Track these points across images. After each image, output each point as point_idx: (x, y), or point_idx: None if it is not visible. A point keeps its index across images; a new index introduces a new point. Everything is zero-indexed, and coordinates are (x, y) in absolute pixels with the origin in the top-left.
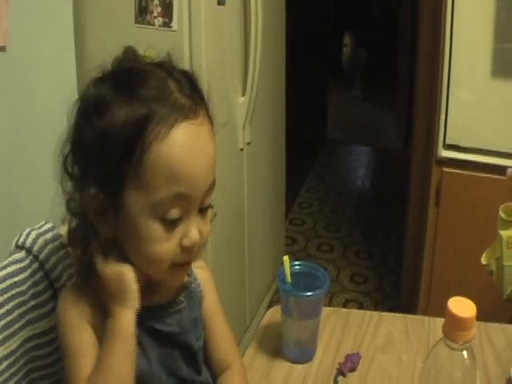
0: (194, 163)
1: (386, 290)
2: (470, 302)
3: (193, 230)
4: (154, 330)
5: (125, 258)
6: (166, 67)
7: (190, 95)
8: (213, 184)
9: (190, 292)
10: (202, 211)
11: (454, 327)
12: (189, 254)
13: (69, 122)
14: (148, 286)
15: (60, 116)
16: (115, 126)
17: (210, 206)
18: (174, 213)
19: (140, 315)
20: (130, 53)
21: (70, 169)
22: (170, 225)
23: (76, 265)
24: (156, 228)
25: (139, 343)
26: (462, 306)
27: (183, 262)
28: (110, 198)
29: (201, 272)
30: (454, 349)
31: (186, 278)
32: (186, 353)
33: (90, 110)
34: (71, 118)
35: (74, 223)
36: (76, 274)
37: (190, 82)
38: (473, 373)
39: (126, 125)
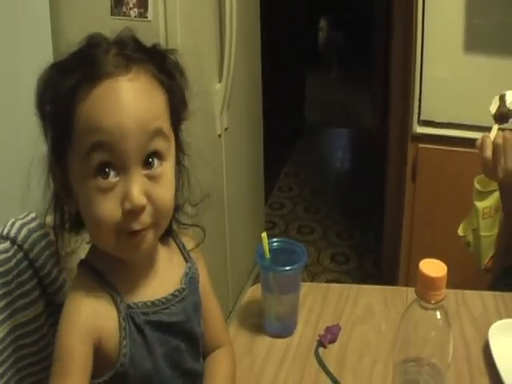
0: (112, 113)
1: (367, 269)
2: (440, 262)
3: (133, 189)
4: (160, 323)
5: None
6: (120, 38)
7: (129, 55)
8: (155, 134)
9: (189, 278)
10: (150, 173)
11: (426, 287)
12: (133, 218)
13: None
14: (149, 280)
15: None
16: (57, 99)
17: (156, 157)
18: (101, 163)
19: (145, 312)
20: (92, 39)
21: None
22: (104, 183)
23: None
24: (91, 186)
25: (145, 342)
26: (433, 267)
27: (128, 227)
28: (61, 169)
29: (190, 246)
30: (427, 308)
31: (185, 263)
32: (190, 341)
33: (41, 90)
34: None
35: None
36: (78, 274)
37: (138, 45)
38: (447, 332)
39: (64, 95)
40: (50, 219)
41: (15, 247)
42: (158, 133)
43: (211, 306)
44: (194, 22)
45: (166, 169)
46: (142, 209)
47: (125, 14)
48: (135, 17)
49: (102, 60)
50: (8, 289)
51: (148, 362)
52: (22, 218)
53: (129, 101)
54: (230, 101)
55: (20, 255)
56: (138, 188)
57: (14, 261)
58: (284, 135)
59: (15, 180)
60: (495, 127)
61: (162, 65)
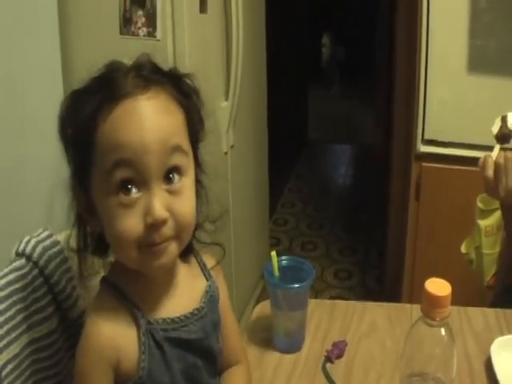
0: (132, 130)
1: (370, 285)
2: (445, 281)
3: (154, 204)
4: (178, 340)
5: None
6: (137, 62)
7: (147, 76)
8: (175, 149)
9: (210, 296)
10: (171, 187)
11: (431, 305)
12: (154, 231)
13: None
14: (170, 297)
15: (49, 129)
16: (80, 124)
17: (176, 172)
18: (123, 179)
19: (164, 328)
20: (112, 65)
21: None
22: (127, 198)
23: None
24: (113, 203)
25: (163, 358)
26: (438, 286)
27: (150, 241)
28: (85, 190)
29: (211, 265)
30: (432, 326)
31: (205, 282)
32: (208, 358)
33: (65, 118)
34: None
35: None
36: (100, 292)
37: (155, 66)
38: (451, 348)
39: (87, 119)
40: (73, 242)
41: (31, 264)
42: (177, 149)
43: (230, 323)
44: (202, 41)
45: (185, 184)
46: (163, 222)
47: (134, 34)
48: (144, 36)
49: (121, 82)
50: (24, 304)
51: (166, 377)
52: (37, 236)
53: (148, 118)
54: (236, 118)
55: (35, 272)
56: (159, 202)
57: (30, 277)
58: (287, 151)
59: (39, 203)
60: (497, 147)
61: (178, 85)
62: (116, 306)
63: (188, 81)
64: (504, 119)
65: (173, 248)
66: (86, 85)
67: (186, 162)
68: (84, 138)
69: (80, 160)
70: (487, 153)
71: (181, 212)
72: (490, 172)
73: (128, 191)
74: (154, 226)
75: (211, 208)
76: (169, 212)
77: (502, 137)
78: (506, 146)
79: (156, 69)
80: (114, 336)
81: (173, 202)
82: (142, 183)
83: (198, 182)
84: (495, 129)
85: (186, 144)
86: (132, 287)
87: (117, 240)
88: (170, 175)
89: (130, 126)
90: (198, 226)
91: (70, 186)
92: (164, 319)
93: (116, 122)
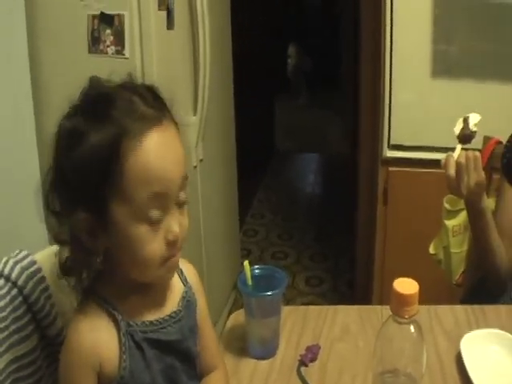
0: (165, 164)
1: (341, 291)
2: (412, 281)
3: (174, 224)
4: (158, 341)
5: (118, 271)
6: (129, 86)
7: (153, 105)
8: (185, 178)
9: (186, 301)
10: (179, 205)
11: (400, 304)
12: (173, 247)
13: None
14: (148, 302)
15: (18, 144)
16: (93, 150)
17: (186, 202)
18: (156, 212)
19: (143, 330)
20: (93, 81)
21: (52, 206)
22: (154, 224)
23: (76, 291)
24: (143, 231)
25: (143, 357)
26: (405, 285)
27: (170, 256)
28: (97, 215)
29: (189, 274)
30: (401, 323)
31: (183, 287)
32: (185, 360)
33: (66, 144)
34: (49, 157)
35: (64, 254)
36: (80, 301)
37: (152, 94)
38: (420, 345)
39: (102, 146)
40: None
41: (9, 284)
42: (187, 177)
43: (208, 331)
44: (170, 57)
45: (186, 201)
46: (179, 238)
47: (102, 52)
48: (112, 54)
49: (139, 113)
50: (4, 324)
51: (146, 377)
52: (15, 256)
53: (172, 150)
54: (205, 132)
55: (14, 291)
56: (177, 223)
57: (9, 297)
58: (255, 162)
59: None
60: (459, 147)
61: (170, 112)
62: (97, 311)
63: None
64: (466, 120)
65: (179, 258)
66: (86, 106)
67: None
68: (105, 167)
69: (96, 189)
70: (449, 153)
71: (185, 226)
72: (452, 171)
73: (157, 221)
74: (173, 242)
75: None
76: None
77: (464, 137)
78: (468, 146)
79: (156, 96)
80: (96, 340)
81: (180, 219)
82: (165, 209)
83: None
84: (457, 129)
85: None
86: (112, 293)
87: (143, 261)
88: (180, 199)
89: (159, 159)
90: None
91: (64, 213)
92: (143, 322)
93: (147, 156)
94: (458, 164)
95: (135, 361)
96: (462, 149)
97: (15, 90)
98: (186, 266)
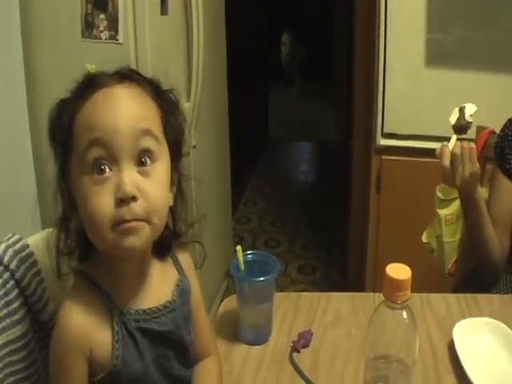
0: (106, 112)
1: (333, 279)
2: (405, 266)
3: (125, 180)
4: (150, 331)
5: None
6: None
7: (125, 74)
8: (144, 132)
9: (181, 290)
10: (139, 164)
11: (393, 289)
12: (127, 210)
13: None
14: (142, 290)
15: (12, 129)
16: (60, 125)
17: (148, 156)
18: (98, 161)
19: (136, 319)
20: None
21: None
22: (99, 177)
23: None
24: (87, 182)
25: (136, 346)
26: (398, 271)
27: (120, 218)
28: (65, 181)
29: (184, 260)
30: (393, 308)
31: (177, 275)
32: (179, 350)
33: (50, 121)
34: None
35: (61, 237)
36: (74, 283)
37: (132, 70)
38: (413, 331)
39: (64, 119)
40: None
41: (1, 268)
42: (148, 132)
43: (202, 317)
44: (163, 43)
45: (158, 168)
46: (133, 199)
47: (96, 37)
48: (106, 39)
49: (100, 77)
50: None
51: (139, 366)
52: (7, 240)
53: (121, 101)
54: (198, 119)
55: (6, 275)
56: (129, 179)
57: (1, 281)
58: (248, 150)
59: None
60: (454, 137)
61: (156, 88)
62: (90, 296)
63: (170, 95)
64: (462, 110)
65: (146, 231)
66: (75, 88)
67: (158, 148)
68: (65, 130)
69: (62, 152)
70: (444, 143)
71: (151, 193)
72: (447, 162)
73: (101, 171)
74: (123, 201)
75: (189, 211)
76: (139, 192)
77: (459, 128)
78: (463, 136)
79: (137, 72)
80: (86, 324)
81: (143, 183)
82: (114, 162)
83: (178, 186)
84: (453, 119)
85: (157, 132)
86: (106, 279)
87: (91, 219)
88: (143, 160)
89: (103, 108)
90: (174, 223)
91: (56, 185)
92: (136, 310)
93: (91, 107)
94: (453, 154)
95: (128, 350)
96: (458, 139)
97: (8, 73)
98: (181, 254)
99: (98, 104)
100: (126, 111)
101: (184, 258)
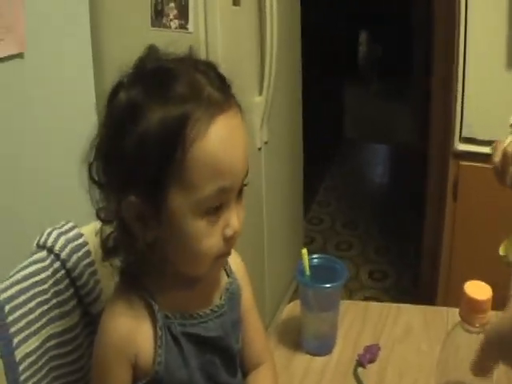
0: (234, 156)
1: (405, 287)
2: (485, 285)
3: (233, 218)
4: (197, 336)
5: (165, 262)
6: (190, 61)
7: (220, 87)
8: (247, 172)
9: (230, 294)
10: (239, 196)
11: (471, 310)
12: (231, 243)
13: (97, 131)
14: (188, 294)
15: (78, 118)
16: (153, 130)
17: (245, 185)
18: (218, 206)
19: (182, 323)
20: (152, 51)
21: (96, 177)
22: (213, 217)
23: (117, 274)
24: (201, 225)
25: (180, 352)
26: (478, 289)
27: (226, 252)
28: (151, 203)
29: (236, 264)
30: (471, 332)
31: (226, 279)
32: (226, 357)
33: (123, 117)
34: (99, 127)
35: (106, 231)
36: (118, 284)
37: (216, 73)
38: None
39: (164, 127)
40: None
41: (52, 256)
42: (248, 170)
43: (253, 321)
44: (235, 34)
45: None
46: (238, 233)
47: (165, 26)
48: (176, 28)
49: (206, 95)
50: (45, 297)
51: (183, 372)
52: (60, 228)
53: (240, 140)
54: (270, 114)
55: (57, 264)
56: (236, 217)
57: (51, 270)
58: (323, 149)
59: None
60: (510, 137)
61: (234, 97)
62: (134, 298)
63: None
64: None
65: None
66: (141, 82)
67: None
68: (165, 150)
69: (153, 173)
70: (499, 139)
71: (242, 219)
72: (497, 159)
73: (217, 213)
74: (231, 237)
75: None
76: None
77: None
78: None
79: (219, 76)
80: (132, 329)
81: (239, 210)
82: (227, 202)
83: None
84: None
85: None
86: (151, 280)
87: (197, 256)
88: (240, 193)
89: (230, 152)
90: None
91: (114, 190)
92: (182, 313)
93: (215, 145)
94: (504, 152)
95: (172, 356)
96: None
97: (77, 63)
98: (231, 256)
99: (223, 143)
100: (242, 153)
101: (234, 260)
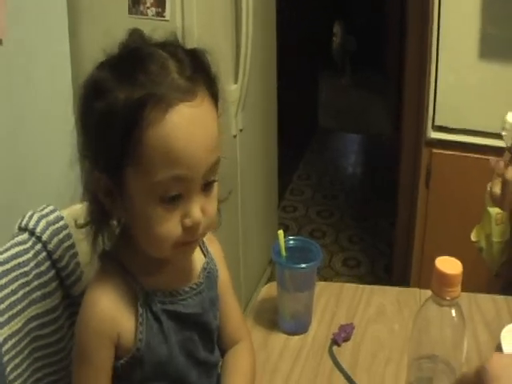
0: (190, 146)
1: (378, 274)
2: (456, 260)
3: (194, 209)
4: (176, 313)
5: (138, 242)
6: (170, 48)
7: (191, 76)
8: (216, 162)
9: (208, 273)
10: (207, 188)
11: (442, 284)
12: (192, 233)
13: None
14: (168, 272)
15: (56, 104)
16: (114, 110)
17: (214, 181)
18: (173, 193)
19: (162, 301)
20: (135, 35)
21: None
22: (170, 204)
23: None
24: (156, 208)
25: (161, 329)
26: (449, 264)
27: (186, 241)
28: (112, 179)
29: (213, 247)
30: (442, 305)
31: (203, 259)
32: (204, 333)
33: (91, 95)
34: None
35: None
36: (99, 265)
37: (193, 62)
38: (461, 331)
39: (125, 108)
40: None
41: (33, 239)
42: (218, 162)
43: (230, 301)
44: (211, 22)
45: (215, 185)
46: (199, 224)
47: (142, 13)
48: (152, 16)
49: (169, 81)
50: (26, 279)
51: (164, 349)
52: (41, 210)
53: (201, 131)
54: (246, 102)
55: (38, 246)
56: (197, 207)
57: (32, 252)
58: (297, 138)
59: (29, 176)
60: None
61: (213, 84)
62: (115, 277)
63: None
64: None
65: (197, 244)
66: (121, 64)
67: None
68: (124, 131)
69: (112, 150)
70: (497, 158)
71: (210, 212)
72: (497, 189)
73: (174, 202)
74: (191, 228)
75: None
76: (202, 213)
77: None
78: None
79: (196, 65)
80: (114, 309)
81: (206, 205)
82: (187, 194)
83: None
84: (508, 140)
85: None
86: (132, 261)
87: (154, 240)
88: (208, 186)
89: (184, 140)
90: None
91: (86, 168)
92: (162, 291)
93: (170, 132)
94: (504, 181)
95: (152, 333)
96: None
97: (53, 51)
98: (207, 237)
99: (178, 131)
100: (205, 145)
101: (211, 241)
